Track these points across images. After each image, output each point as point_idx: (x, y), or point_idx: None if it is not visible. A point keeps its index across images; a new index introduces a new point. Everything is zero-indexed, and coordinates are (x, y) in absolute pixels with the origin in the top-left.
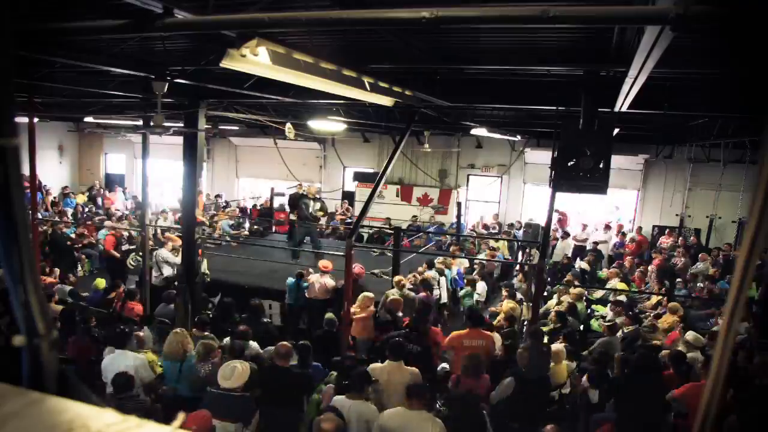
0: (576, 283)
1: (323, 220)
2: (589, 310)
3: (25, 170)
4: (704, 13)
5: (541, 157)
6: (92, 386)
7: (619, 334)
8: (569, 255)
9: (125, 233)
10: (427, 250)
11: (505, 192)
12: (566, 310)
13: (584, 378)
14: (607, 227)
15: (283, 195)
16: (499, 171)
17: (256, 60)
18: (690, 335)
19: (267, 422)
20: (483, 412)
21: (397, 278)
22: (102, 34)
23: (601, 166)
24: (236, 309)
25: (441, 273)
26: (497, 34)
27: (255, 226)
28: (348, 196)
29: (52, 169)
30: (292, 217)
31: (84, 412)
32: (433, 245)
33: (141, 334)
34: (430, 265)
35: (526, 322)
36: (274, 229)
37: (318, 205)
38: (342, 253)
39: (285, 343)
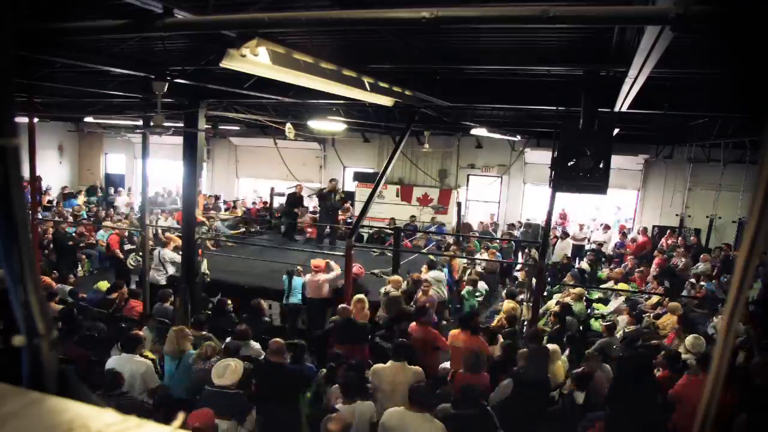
0: (572, 283)
1: (346, 207)
2: (589, 310)
3: (25, 170)
4: (704, 13)
5: (541, 157)
6: (92, 386)
7: (621, 333)
8: (569, 255)
9: (126, 233)
10: (427, 251)
11: (505, 192)
12: (560, 310)
13: (568, 380)
14: (607, 227)
15: (282, 195)
16: (499, 171)
17: (256, 60)
18: (689, 341)
19: (262, 419)
20: (486, 405)
21: (394, 278)
22: (102, 34)
23: (601, 166)
24: (233, 307)
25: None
26: (497, 34)
27: (254, 227)
28: (348, 196)
29: (52, 169)
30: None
31: (84, 412)
32: (434, 245)
33: (141, 333)
34: (431, 266)
35: (526, 322)
36: (307, 234)
37: (338, 197)
38: (342, 253)
39: (277, 339)
